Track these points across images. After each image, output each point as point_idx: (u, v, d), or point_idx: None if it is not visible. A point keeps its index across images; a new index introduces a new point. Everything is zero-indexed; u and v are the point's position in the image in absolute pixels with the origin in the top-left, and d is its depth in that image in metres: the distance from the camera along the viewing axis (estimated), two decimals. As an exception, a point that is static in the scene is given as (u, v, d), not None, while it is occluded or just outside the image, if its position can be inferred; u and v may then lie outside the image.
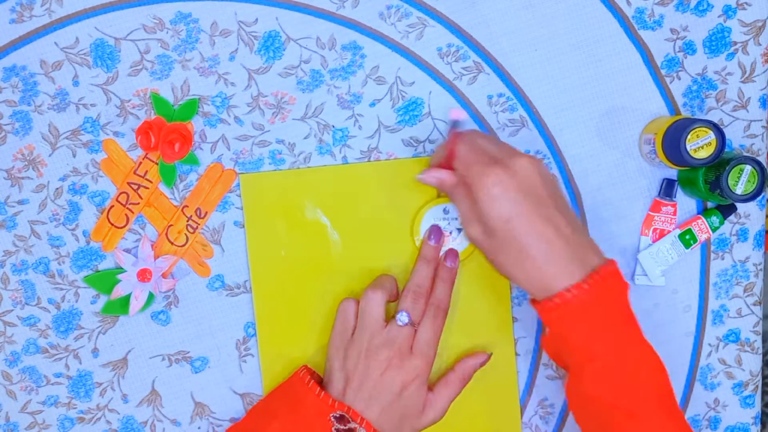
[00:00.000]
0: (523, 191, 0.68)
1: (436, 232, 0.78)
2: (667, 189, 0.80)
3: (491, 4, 0.79)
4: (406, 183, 0.79)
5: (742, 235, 0.82)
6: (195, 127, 0.79)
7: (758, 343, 0.83)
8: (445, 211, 0.79)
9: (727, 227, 0.82)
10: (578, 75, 0.80)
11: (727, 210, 0.80)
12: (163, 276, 0.79)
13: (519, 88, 0.80)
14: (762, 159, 0.81)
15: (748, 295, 0.82)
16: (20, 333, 0.80)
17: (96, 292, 0.80)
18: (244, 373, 0.81)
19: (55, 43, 0.78)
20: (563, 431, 0.83)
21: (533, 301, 0.70)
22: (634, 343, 0.69)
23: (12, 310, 0.80)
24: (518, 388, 0.82)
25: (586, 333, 0.68)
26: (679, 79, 0.80)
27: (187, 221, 0.79)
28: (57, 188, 0.79)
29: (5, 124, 0.78)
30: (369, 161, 0.80)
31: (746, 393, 0.83)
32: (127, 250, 0.80)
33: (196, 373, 0.81)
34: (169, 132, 0.77)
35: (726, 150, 0.79)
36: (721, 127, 0.79)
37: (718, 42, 0.79)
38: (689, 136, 0.72)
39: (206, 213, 0.80)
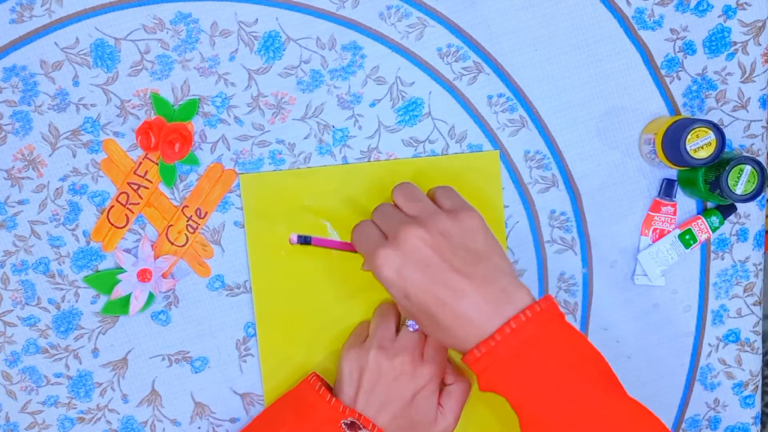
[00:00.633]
0: (413, 264, 0.66)
1: None
2: (667, 189, 0.80)
3: (491, 4, 0.79)
4: None
5: (742, 235, 0.82)
6: (195, 127, 0.79)
7: (758, 343, 0.83)
8: None
9: (727, 227, 0.82)
10: (578, 75, 0.80)
11: (727, 210, 0.80)
12: (163, 276, 0.79)
13: (519, 88, 0.80)
14: (762, 159, 0.81)
15: (748, 295, 0.82)
16: (20, 333, 0.80)
17: (96, 292, 0.80)
18: (244, 373, 0.81)
19: (55, 43, 0.78)
20: (563, 431, 0.83)
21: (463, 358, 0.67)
22: (573, 389, 0.64)
23: (12, 310, 0.80)
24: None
25: (516, 383, 0.64)
26: (679, 79, 0.80)
27: (187, 221, 0.79)
28: (57, 188, 0.79)
29: (5, 125, 0.78)
30: (369, 161, 0.80)
31: (746, 393, 0.83)
32: (127, 250, 0.80)
33: (196, 373, 0.81)
34: (169, 132, 0.77)
35: (726, 150, 0.79)
36: (721, 127, 0.79)
37: (718, 42, 0.79)
38: (689, 136, 0.72)
39: (206, 213, 0.80)
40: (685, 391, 0.83)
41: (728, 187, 0.73)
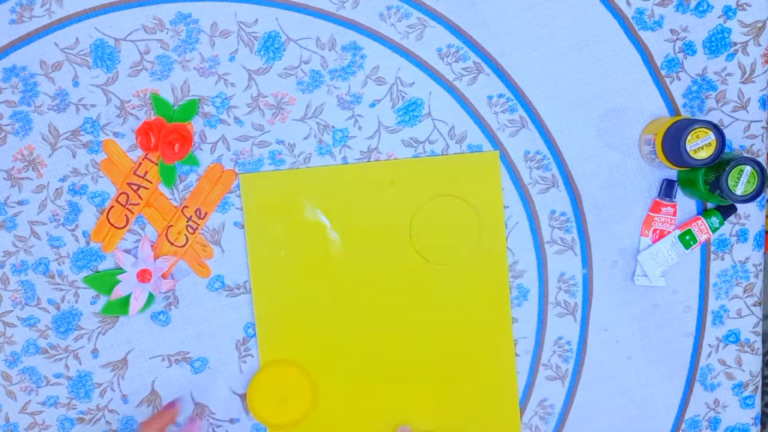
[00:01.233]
0: None
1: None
2: (667, 189, 0.80)
3: (491, 4, 0.79)
4: (405, 183, 0.79)
5: (742, 235, 0.82)
6: (195, 127, 0.79)
7: (758, 344, 0.83)
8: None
9: (727, 228, 0.82)
10: (578, 75, 0.80)
11: (727, 211, 0.80)
12: (163, 276, 0.79)
13: (519, 88, 0.80)
14: (762, 159, 0.81)
15: (748, 296, 0.82)
16: (20, 333, 0.80)
17: (96, 293, 0.80)
18: (244, 373, 0.81)
19: (55, 43, 0.78)
20: (563, 431, 0.83)
21: None
22: None
23: (12, 311, 0.80)
24: (518, 388, 0.82)
25: None
26: (679, 79, 0.80)
27: (187, 221, 0.79)
28: (57, 189, 0.79)
29: (5, 125, 0.78)
30: (369, 161, 0.80)
31: (746, 393, 0.83)
32: (127, 251, 0.80)
33: (196, 373, 0.81)
34: (169, 132, 0.77)
35: (726, 151, 0.79)
36: (721, 127, 0.79)
37: (718, 42, 0.79)
38: (689, 137, 0.72)
39: (206, 213, 0.80)
40: (685, 392, 0.83)
41: (728, 187, 0.73)
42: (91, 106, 0.78)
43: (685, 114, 0.80)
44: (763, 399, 1.42)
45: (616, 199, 0.81)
